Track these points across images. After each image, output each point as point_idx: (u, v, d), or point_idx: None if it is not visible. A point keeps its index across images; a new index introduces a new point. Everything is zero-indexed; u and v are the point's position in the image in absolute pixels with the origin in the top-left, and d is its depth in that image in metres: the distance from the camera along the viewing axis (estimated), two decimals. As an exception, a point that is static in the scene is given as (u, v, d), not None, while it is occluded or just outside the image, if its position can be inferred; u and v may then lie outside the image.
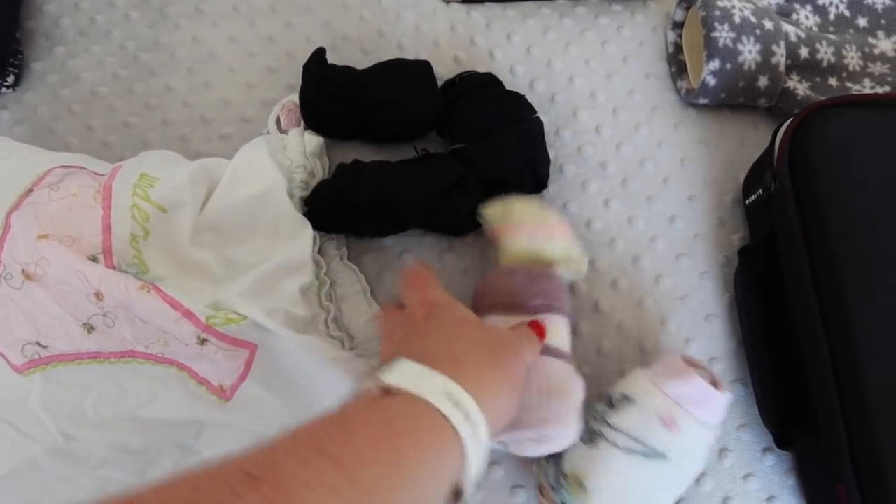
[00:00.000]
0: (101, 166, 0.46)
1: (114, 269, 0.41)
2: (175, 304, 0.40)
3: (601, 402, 0.42)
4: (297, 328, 0.44)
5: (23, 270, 0.40)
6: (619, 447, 0.40)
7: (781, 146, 0.46)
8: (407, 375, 0.32)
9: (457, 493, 0.32)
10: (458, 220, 0.48)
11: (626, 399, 0.41)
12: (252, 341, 0.42)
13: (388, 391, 0.31)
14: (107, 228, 0.41)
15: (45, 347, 0.41)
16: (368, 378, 0.33)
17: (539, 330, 0.41)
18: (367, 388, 0.32)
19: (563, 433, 0.40)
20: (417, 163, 0.48)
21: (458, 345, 0.35)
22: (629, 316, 0.50)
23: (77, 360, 0.41)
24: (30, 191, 0.42)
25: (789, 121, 0.47)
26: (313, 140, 0.50)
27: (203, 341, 0.42)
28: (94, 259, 0.41)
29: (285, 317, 0.44)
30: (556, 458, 0.42)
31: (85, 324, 0.41)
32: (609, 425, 0.40)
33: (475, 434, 0.31)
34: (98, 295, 0.40)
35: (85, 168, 0.45)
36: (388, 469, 0.28)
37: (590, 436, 0.41)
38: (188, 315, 0.40)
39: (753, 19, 0.53)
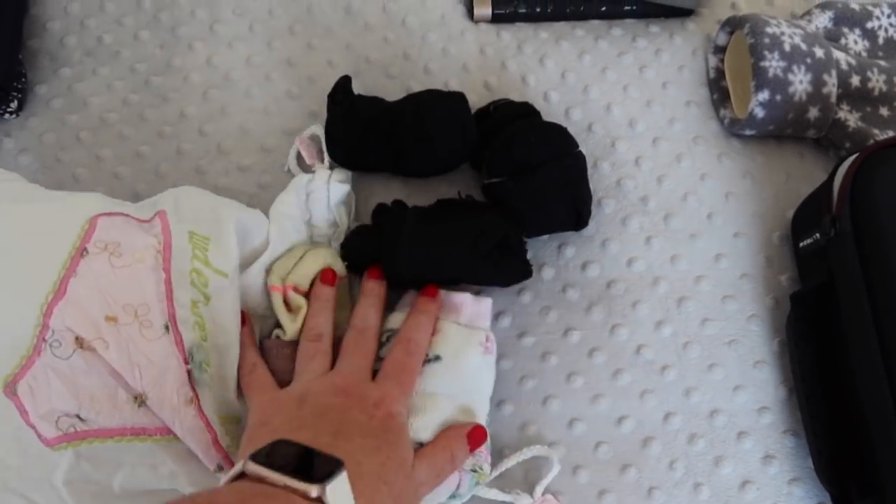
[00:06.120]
0: (137, 210, 0.44)
1: (180, 337, 0.39)
2: (209, 427, 0.39)
3: None
4: None
5: (76, 338, 0.37)
6: None
7: (842, 189, 0.44)
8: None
9: None
10: (499, 280, 0.45)
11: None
12: None
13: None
14: (168, 294, 0.39)
15: (83, 421, 0.38)
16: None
17: (475, 436, 0.41)
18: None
19: None
20: (459, 214, 0.44)
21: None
22: (673, 361, 0.47)
23: (120, 436, 0.38)
24: (83, 250, 0.39)
25: (849, 162, 0.44)
26: (339, 189, 0.46)
27: (220, 468, 0.40)
28: (166, 328, 0.39)
29: None
30: None
31: (137, 396, 0.38)
32: None
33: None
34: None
35: (128, 216, 0.42)
36: None
37: None
38: (215, 443, 0.39)
39: (804, 47, 0.50)
